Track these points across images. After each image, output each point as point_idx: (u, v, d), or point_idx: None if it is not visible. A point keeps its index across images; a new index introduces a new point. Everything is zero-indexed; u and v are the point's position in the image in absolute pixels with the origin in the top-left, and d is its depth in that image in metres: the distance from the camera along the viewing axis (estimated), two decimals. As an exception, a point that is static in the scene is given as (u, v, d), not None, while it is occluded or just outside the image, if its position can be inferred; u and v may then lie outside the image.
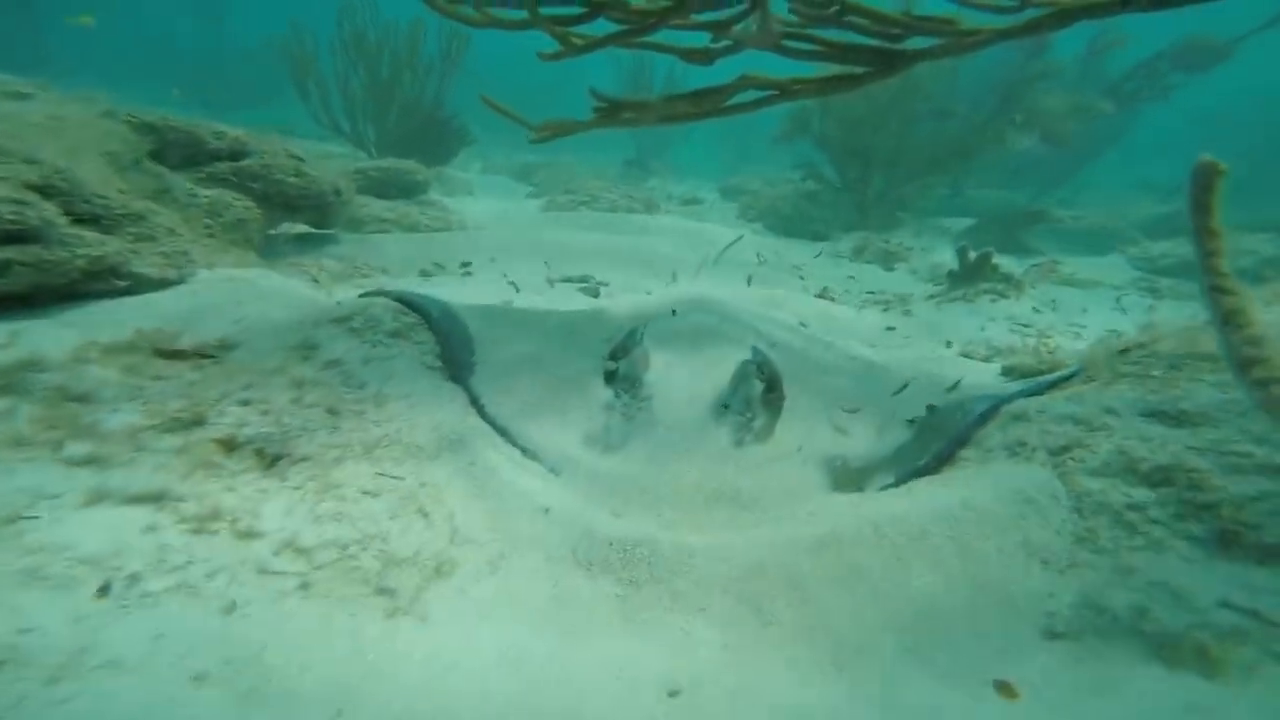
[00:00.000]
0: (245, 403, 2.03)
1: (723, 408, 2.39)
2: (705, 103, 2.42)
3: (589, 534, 1.98)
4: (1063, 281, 6.89)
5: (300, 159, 4.82)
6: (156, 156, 3.98)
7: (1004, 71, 10.18)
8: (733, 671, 1.64)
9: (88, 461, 1.69)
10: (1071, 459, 2.14)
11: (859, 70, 2.29)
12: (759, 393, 2.41)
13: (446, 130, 10.96)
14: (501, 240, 6.12)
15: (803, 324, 4.35)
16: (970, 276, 5.92)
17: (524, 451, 2.31)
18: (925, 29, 2.14)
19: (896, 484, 2.30)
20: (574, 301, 4.08)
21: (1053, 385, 2.59)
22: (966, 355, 4.09)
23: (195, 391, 1.98)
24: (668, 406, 2.40)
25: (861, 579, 1.93)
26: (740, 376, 2.43)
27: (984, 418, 2.42)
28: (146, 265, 2.52)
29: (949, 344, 4.44)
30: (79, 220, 2.36)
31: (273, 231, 4.84)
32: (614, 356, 2.53)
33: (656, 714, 1.49)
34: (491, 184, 12.00)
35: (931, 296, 5.84)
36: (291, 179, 4.59)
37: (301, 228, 5.25)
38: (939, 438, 2.40)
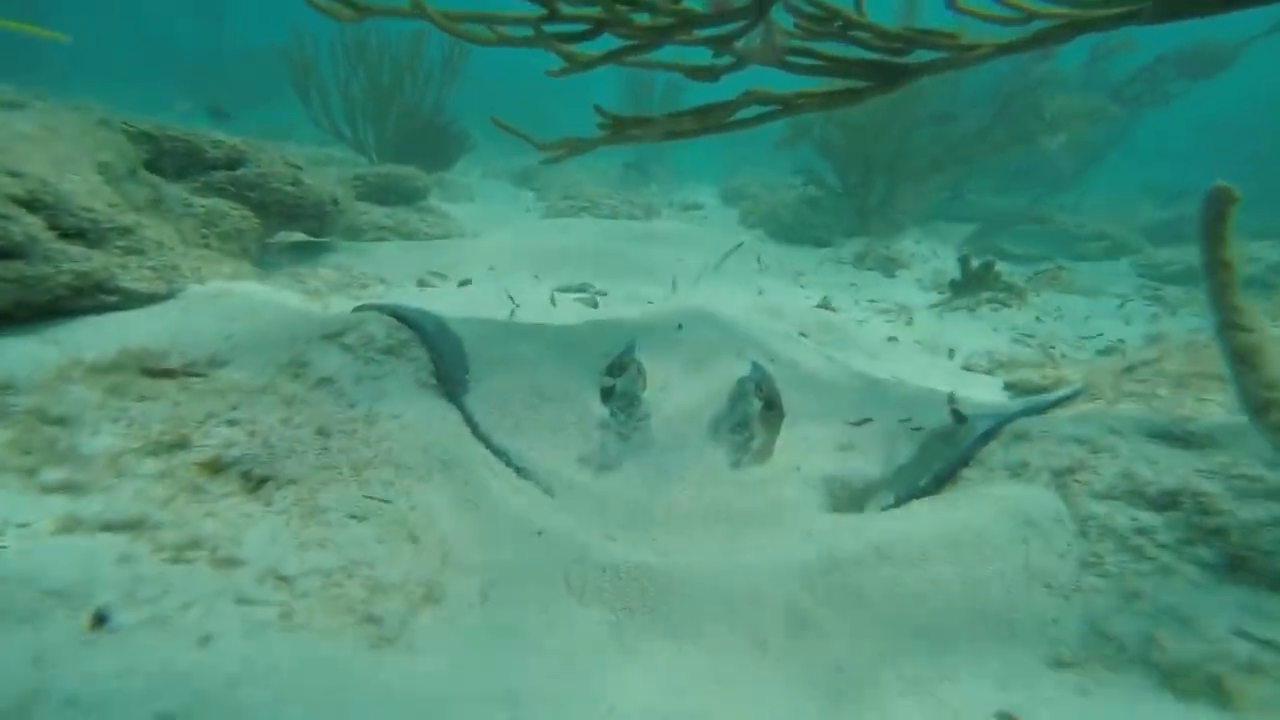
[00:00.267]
0: (233, 423, 1.99)
1: (719, 426, 2.35)
2: (709, 118, 2.43)
3: (582, 559, 1.94)
4: (1066, 289, 6.84)
5: (298, 167, 4.79)
6: (153, 166, 3.96)
7: (1008, 76, 10.15)
8: (727, 704, 1.59)
9: (62, 488, 1.63)
10: (1076, 481, 2.10)
11: (862, 84, 2.27)
12: (757, 411, 2.36)
13: (447, 136, 10.95)
14: (501, 248, 6.09)
15: (803, 334, 4.32)
16: (972, 285, 5.88)
17: (518, 471, 2.27)
18: (928, 43, 2.12)
19: (897, 504, 2.25)
20: (572, 313, 4.04)
21: (1056, 404, 2.55)
22: (969, 368, 4.05)
23: (181, 412, 1.94)
24: (664, 425, 2.36)
25: (860, 605, 1.89)
26: (738, 394, 2.39)
27: (986, 437, 2.37)
28: (135, 280, 2.48)
29: (951, 354, 4.40)
30: (65, 234, 2.32)
31: (270, 240, 4.81)
32: (610, 373, 2.49)
33: (648, 751, 1.44)
34: (492, 189, 11.98)
35: (934, 305, 5.80)
36: (289, 188, 4.56)
37: (299, 236, 5.22)
38: (940, 457, 2.35)
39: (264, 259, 4.42)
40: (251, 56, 19.44)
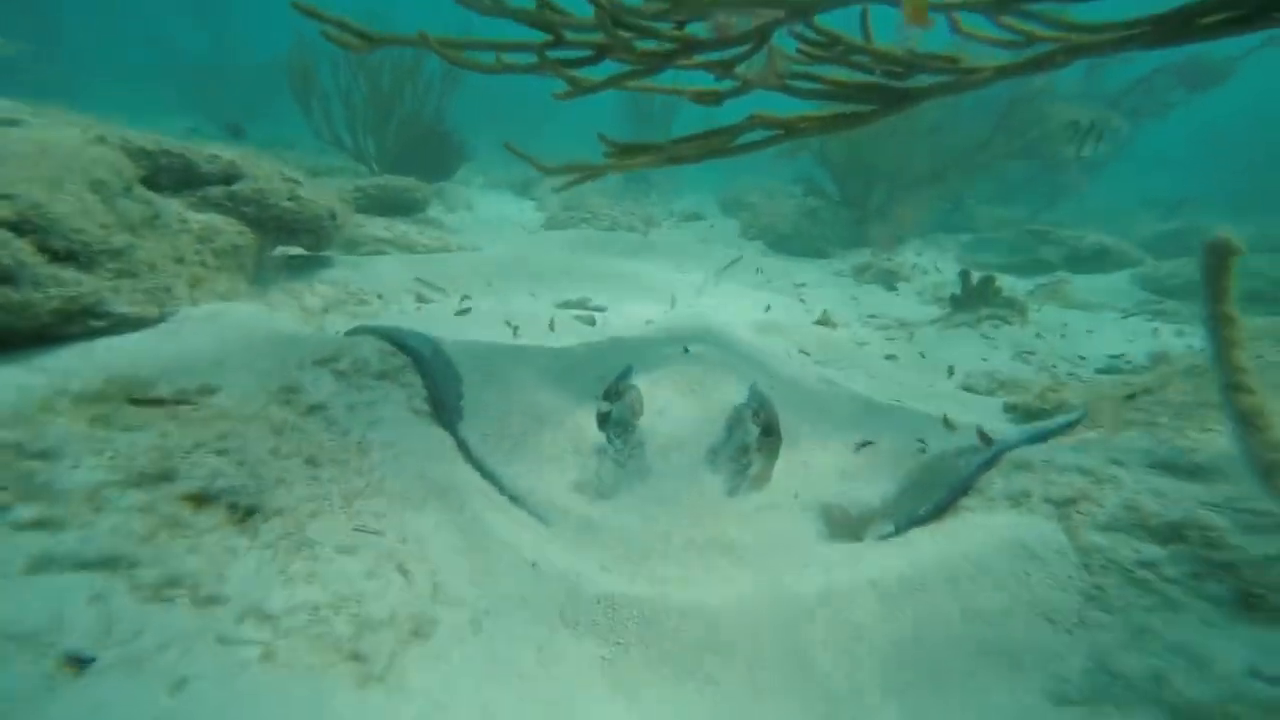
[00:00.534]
0: (221, 453, 1.95)
1: (717, 453, 2.32)
2: (713, 142, 2.46)
3: (576, 591, 1.91)
4: (1067, 304, 6.82)
5: (296, 181, 4.76)
6: (149, 181, 3.93)
7: (1007, 85, 10.16)
8: (722, 744, 1.56)
9: (36, 525, 1.58)
10: (1078, 512, 2.06)
11: (864, 108, 2.26)
12: (754, 438, 2.33)
13: (447, 145, 10.98)
14: (499, 262, 6.07)
15: (804, 351, 4.29)
16: (973, 300, 5.85)
17: (512, 500, 2.23)
18: (929, 66, 2.11)
19: (896, 533, 2.22)
20: (570, 332, 4.01)
21: (1057, 431, 2.51)
22: (969, 388, 4.01)
23: (168, 442, 1.90)
24: (661, 452, 2.33)
25: (859, 639, 1.86)
26: (736, 420, 2.36)
27: (986, 465, 2.34)
28: (126, 304, 2.45)
29: (951, 373, 4.36)
30: (55, 258, 2.28)
31: (267, 255, 4.78)
32: (607, 398, 2.46)
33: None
34: (492, 199, 11.98)
35: (934, 321, 5.76)
36: (285, 203, 4.53)
37: (297, 250, 5.19)
38: (939, 486, 2.32)
39: (260, 275, 4.39)
40: (254, 67, 19.51)
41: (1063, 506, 2.09)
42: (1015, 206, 12.57)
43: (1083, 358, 5.01)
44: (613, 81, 2.41)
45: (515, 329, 3.89)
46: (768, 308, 5.32)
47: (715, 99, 2.42)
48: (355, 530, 1.89)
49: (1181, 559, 1.84)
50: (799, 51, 2.23)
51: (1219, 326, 1.18)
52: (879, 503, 2.34)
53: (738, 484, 2.28)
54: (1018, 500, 2.18)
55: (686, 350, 2.96)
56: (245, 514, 1.82)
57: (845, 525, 2.30)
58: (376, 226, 6.51)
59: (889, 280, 7.49)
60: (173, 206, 3.88)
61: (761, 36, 2.18)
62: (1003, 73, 2.21)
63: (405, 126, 10.51)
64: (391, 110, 10.40)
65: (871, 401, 3.06)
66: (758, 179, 14.23)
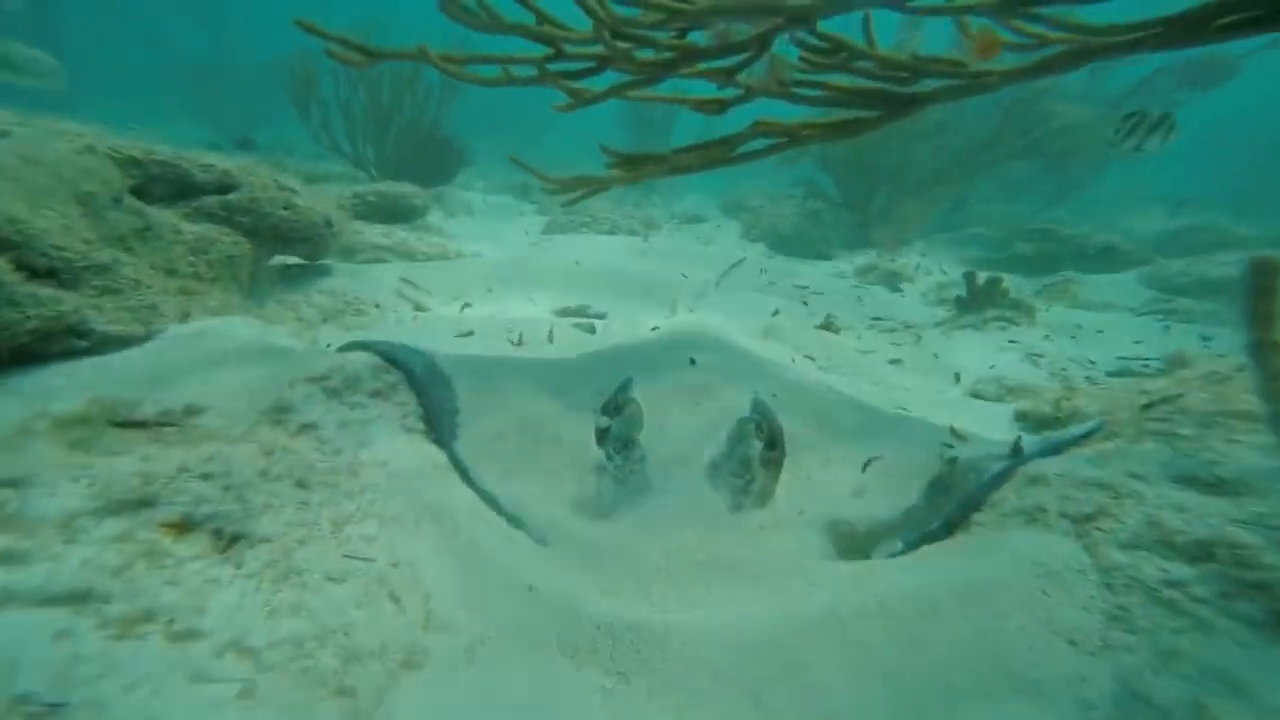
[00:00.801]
0: (206, 477, 1.88)
1: (719, 469, 2.24)
2: (716, 151, 2.43)
3: (575, 615, 1.84)
4: (1076, 304, 6.71)
5: (292, 190, 4.70)
6: (140, 192, 3.87)
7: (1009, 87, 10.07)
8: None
9: (1, 558, 1.51)
10: (1098, 529, 1.97)
11: (869, 114, 2.20)
12: (758, 453, 2.25)
13: (447, 150, 10.94)
14: (499, 268, 6.00)
15: (808, 356, 4.21)
16: (979, 301, 5.76)
17: (510, 520, 2.16)
18: (934, 71, 2.04)
19: (905, 550, 2.14)
20: (569, 341, 3.93)
21: (1073, 442, 2.43)
22: (977, 394, 3.92)
23: (150, 467, 1.83)
24: (662, 468, 2.26)
25: (869, 662, 1.78)
26: (738, 435, 2.28)
27: (999, 479, 2.26)
28: (110, 322, 2.38)
29: (958, 378, 4.27)
30: (34, 275, 2.22)
31: (263, 265, 4.72)
32: (606, 412, 2.39)
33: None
34: (492, 203, 11.92)
35: (940, 323, 5.67)
36: (281, 211, 4.47)
37: (293, 259, 5.13)
38: (950, 501, 2.24)
39: (256, 285, 4.33)
40: (254, 67, 19.47)
41: (1081, 523, 2.01)
42: (1018, 205, 12.48)
43: (1093, 361, 4.92)
44: (613, 92, 2.40)
45: (517, 337, 3.82)
46: (776, 312, 5.22)
47: (717, 107, 2.37)
48: (345, 557, 1.82)
49: (1211, 578, 1.76)
50: (801, 59, 2.17)
51: (1266, 356, 1.10)
52: (887, 518, 2.27)
53: (741, 501, 2.21)
54: (1033, 516, 2.09)
55: (693, 362, 2.88)
56: (230, 541, 1.75)
57: (853, 542, 2.22)
58: (375, 233, 6.45)
59: (893, 281, 7.40)
60: (165, 217, 3.82)
61: (762, 43, 2.13)
62: (1010, 77, 2.14)
63: (404, 134, 10.48)
64: (391, 120, 10.37)
65: (878, 411, 2.98)
66: (759, 183, 14.17)
